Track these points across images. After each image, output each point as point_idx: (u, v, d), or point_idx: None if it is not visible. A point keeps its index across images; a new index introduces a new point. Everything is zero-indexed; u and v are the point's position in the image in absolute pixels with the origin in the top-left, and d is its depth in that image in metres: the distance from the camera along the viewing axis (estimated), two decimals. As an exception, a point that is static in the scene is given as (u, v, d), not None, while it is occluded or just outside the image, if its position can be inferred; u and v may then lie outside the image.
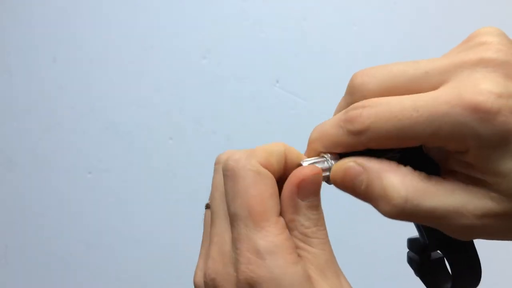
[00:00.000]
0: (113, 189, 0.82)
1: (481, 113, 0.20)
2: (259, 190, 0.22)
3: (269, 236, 0.22)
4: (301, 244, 0.23)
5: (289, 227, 0.23)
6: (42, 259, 0.84)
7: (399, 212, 0.22)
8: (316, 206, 0.23)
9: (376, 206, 0.23)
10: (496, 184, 0.21)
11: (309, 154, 0.25)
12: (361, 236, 0.80)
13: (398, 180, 0.22)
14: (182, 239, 0.79)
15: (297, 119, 0.78)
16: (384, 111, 0.22)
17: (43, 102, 0.81)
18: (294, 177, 0.23)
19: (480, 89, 0.20)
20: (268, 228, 0.22)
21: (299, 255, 0.22)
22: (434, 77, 0.22)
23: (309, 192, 0.23)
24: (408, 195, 0.22)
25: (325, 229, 0.24)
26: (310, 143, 0.25)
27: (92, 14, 0.79)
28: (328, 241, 0.24)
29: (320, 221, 0.24)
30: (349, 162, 0.23)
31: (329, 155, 0.24)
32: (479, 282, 0.28)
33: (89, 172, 0.82)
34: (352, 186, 0.23)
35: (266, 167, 0.23)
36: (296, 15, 0.78)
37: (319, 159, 0.24)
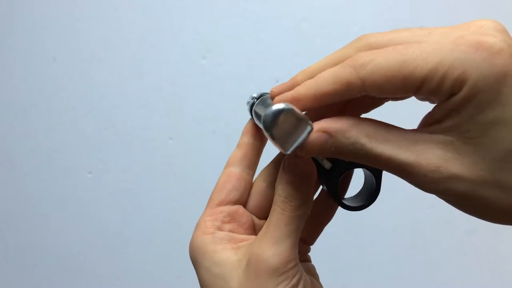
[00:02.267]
0: (113, 189, 0.82)
1: (483, 50, 0.21)
2: (215, 187, 0.31)
3: (202, 215, 0.31)
4: (272, 208, 0.28)
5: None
6: (42, 259, 0.85)
7: (372, 162, 0.24)
8: (295, 184, 0.27)
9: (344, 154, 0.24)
10: (476, 138, 0.22)
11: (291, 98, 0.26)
12: (361, 235, 0.80)
13: (364, 133, 0.23)
14: (182, 239, 0.79)
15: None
16: (390, 48, 0.23)
17: (43, 102, 0.81)
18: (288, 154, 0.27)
19: (484, 31, 0.21)
20: (205, 210, 0.31)
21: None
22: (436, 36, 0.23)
23: (293, 171, 0.27)
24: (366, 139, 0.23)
25: (294, 206, 0.27)
26: (297, 86, 0.26)
27: (92, 14, 0.79)
28: (291, 216, 0.27)
29: (291, 197, 0.27)
30: (314, 132, 0.24)
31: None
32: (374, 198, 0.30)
33: (89, 172, 0.82)
34: (322, 152, 0.24)
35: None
36: (296, 15, 0.78)
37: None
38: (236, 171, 0.32)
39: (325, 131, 0.24)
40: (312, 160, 0.28)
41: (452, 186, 0.22)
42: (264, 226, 0.28)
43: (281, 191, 0.27)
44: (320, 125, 0.24)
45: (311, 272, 0.32)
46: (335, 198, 0.30)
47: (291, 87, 0.27)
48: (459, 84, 0.21)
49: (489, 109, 0.21)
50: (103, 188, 0.82)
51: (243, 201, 0.32)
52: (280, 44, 0.78)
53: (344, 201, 0.30)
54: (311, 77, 0.26)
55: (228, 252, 0.28)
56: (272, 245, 0.26)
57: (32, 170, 0.83)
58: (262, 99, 0.32)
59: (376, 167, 0.24)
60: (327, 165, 0.29)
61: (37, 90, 0.81)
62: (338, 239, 0.77)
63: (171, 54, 0.79)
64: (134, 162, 0.81)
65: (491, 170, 0.22)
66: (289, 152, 0.24)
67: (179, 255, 0.81)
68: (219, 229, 0.30)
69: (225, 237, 0.29)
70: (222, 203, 0.31)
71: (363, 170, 0.31)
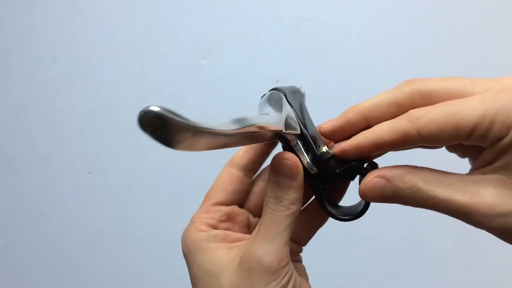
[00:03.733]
0: (113, 189, 0.82)
1: None
2: (213, 186, 0.32)
3: (198, 212, 0.31)
4: (264, 208, 0.29)
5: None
6: (42, 259, 0.85)
7: (431, 206, 0.25)
8: (282, 185, 0.28)
9: (408, 204, 0.26)
10: None
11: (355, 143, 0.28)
12: (360, 235, 0.80)
13: (419, 178, 0.25)
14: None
15: (297, 119, 0.77)
16: (441, 103, 0.25)
17: (43, 102, 0.81)
18: (276, 154, 0.29)
19: None
20: (201, 207, 0.32)
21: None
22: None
23: (278, 172, 0.28)
24: (431, 187, 0.25)
25: (284, 206, 0.28)
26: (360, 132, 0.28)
27: (92, 14, 0.79)
28: (282, 215, 0.28)
29: (281, 198, 0.28)
30: (372, 178, 0.26)
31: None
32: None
33: (89, 172, 0.82)
34: (382, 197, 0.26)
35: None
36: (296, 15, 0.78)
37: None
38: (239, 173, 0.32)
39: (383, 177, 0.26)
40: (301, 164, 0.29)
41: (507, 221, 0.24)
42: (257, 226, 0.29)
43: (270, 192, 0.28)
44: (379, 172, 0.26)
45: (302, 273, 0.33)
46: (320, 204, 0.30)
47: (344, 126, 0.28)
48: (506, 127, 0.23)
49: None
50: (103, 188, 0.82)
51: (241, 203, 0.33)
52: (280, 44, 0.78)
53: (330, 209, 0.30)
54: (363, 115, 0.28)
55: (222, 250, 0.29)
56: (264, 244, 0.27)
57: (32, 170, 0.83)
58: (271, 98, 0.32)
59: (434, 210, 0.25)
60: (313, 170, 0.29)
61: (37, 90, 0.81)
62: (336, 238, 0.77)
63: (171, 54, 0.79)
64: (134, 162, 0.81)
65: None
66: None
67: (179, 255, 0.81)
68: (215, 227, 0.31)
69: (219, 235, 0.30)
70: (220, 203, 0.31)
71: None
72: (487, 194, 0.24)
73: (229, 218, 0.31)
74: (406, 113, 0.26)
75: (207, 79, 0.79)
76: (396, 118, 0.26)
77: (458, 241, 0.80)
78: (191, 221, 0.31)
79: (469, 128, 0.24)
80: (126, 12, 0.79)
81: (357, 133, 0.28)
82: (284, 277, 0.27)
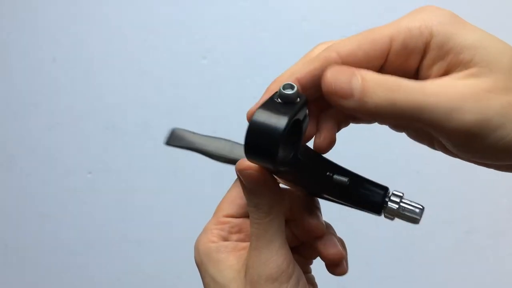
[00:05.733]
0: (113, 189, 0.82)
1: None
2: (225, 197, 0.32)
3: (210, 223, 0.31)
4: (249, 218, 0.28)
5: None
6: (42, 259, 0.85)
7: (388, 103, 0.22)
8: (255, 192, 0.27)
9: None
10: (473, 58, 0.22)
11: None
12: (358, 234, 0.80)
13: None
14: (182, 239, 0.79)
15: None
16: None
17: (43, 102, 0.81)
18: (236, 165, 0.27)
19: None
20: (213, 218, 0.31)
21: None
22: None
23: (245, 180, 0.27)
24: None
25: (265, 211, 0.27)
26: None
27: (92, 14, 0.79)
28: (266, 222, 0.27)
29: (259, 205, 0.27)
30: (334, 68, 0.23)
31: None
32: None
33: (89, 172, 0.82)
34: (350, 89, 0.22)
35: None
36: (296, 15, 0.78)
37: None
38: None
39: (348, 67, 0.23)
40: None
41: (488, 105, 0.21)
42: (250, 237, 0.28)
43: (248, 201, 0.28)
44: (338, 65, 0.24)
45: (311, 282, 0.32)
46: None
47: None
48: (425, 29, 0.23)
49: (467, 34, 0.23)
50: (103, 188, 0.82)
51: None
52: (280, 44, 0.78)
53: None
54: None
55: (231, 260, 0.29)
56: (258, 255, 0.27)
57: (32, 170, 0.83)
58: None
59: (405, 115, 0.22)
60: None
61: (37, 90, 0.81)
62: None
63: (171, 54, 0.79)
64: (134, 162, 0.81)
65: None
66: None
67: (179, 255, 0.81)
68: (226, 239, 0.31)
69: (229, 245, 0.30)
70: (231, 216, 0.31)
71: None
72: (460, 87, 0.22)
73: (240, 229, 0.31)
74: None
75: (207, 79, 0.79)
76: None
77: (457, 241, 0.80)
78: (204, 231, 0.31)
79: (386, 39, 0.24)
80: (126, 12, 0.79)
81: None
82: (289, 281, 0.27)
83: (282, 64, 0.85)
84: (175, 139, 0.34)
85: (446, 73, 0.23)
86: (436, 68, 0.24)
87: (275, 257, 0.27)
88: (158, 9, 0.78)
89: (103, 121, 0.80)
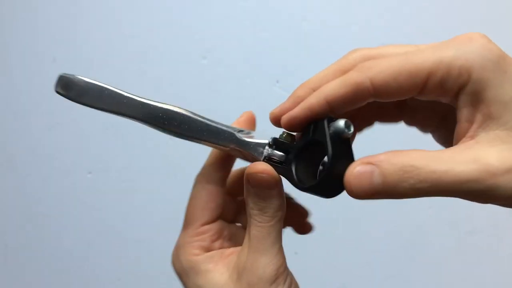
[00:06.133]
0: (113, 189, 0.82)
1: (477, 40, 0.22)
2: (194, 207, 0.31)
3: (186, 236, 0.30)
4: (248, 220, 0.28)
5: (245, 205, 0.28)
6: (42, 259, 0.84)
7: (431, 184, 0.21)
8: (263, 196, 0.27)
9: (403, 189, 0.22)
10: (502, 116, 0.21)
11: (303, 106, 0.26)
12: (359, 234, 0.80)
13: (410, 157, 0.22)
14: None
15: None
16: (391, 56, 0.24)
17: (43, 102, 0.81)
18: (248, 168, 0.27)
19: (471, 33, 0.23)
20: (188, 230, 0.30)
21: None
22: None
23: (256, 184, 0.27)
24: (427, 164, 0.21)
25: (270, 216, 0.27)
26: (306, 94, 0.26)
27: (92, 14, 0.79)
28: (270, 225, 0.27)
29: (265, 209, 0.27)
30: (356, 167, 0.22)
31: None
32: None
33: (89, 172, 0.82)
34: (371, 188, 0.22)
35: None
36: (296, 15, 0.78)
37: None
38: (216, 188, 0.32)
39: (369, 163, 0.22)
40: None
41: None
42: (246, 239, 0.28)
43: (252, 204, 0.27)
44: (362, 159, 0.23)
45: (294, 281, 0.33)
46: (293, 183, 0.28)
47: (293, 104, 0.26)
48: (465, 70, 0.22)
49: (506, 85, 0.21)
50: (103, 188, 0.82)
51: (223, 215, 0.33)
52: (280, 44, 0.78)
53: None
54: (312, 89, 0.26)
55: (220, 269, 0.29)
56: (259, 257, 0.27)
57: (32, 170, 0.83)
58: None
59: (433, 192, 0.21)
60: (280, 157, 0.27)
61: (37, 90, 0.81)
62: (336, 238, 0.77)
63: (171, 54, 0.79)
64: (134, 162, 0.81)
65: None
66: None
67: (179, 255, 0.81)
68: (208, 249, 0.30)
69: (215, 255, 0.30)
70: (208, 223, 0.31)
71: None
72: (489, 155, 0.21)
73: (220, 235, 0.31)
74: (356, 67, 0.24)
75: (207, 79, 0.79)
76: (346, 73, 0.24)
77: (458, 241, 0.80)
78: (182, 245, 0.30)
79: (424, 74, 0.22)
80: (126, 12, 0.79)
81: None
82: (284, 283, 0.27)
83: (282, 64, 0.85)
84: (71, 89, 0.30)
85: (474, 120, 0.22)
86: (466, 112, 0.23)
87: (274, 260, 0.27)
88: (158, 9, 0.78)
89: (103, 121, 0.80)
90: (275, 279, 0.27)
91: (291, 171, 0.26)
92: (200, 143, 0.29)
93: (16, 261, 0.85)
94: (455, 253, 0.81)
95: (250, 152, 0.28)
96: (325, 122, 0.25)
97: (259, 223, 0.27)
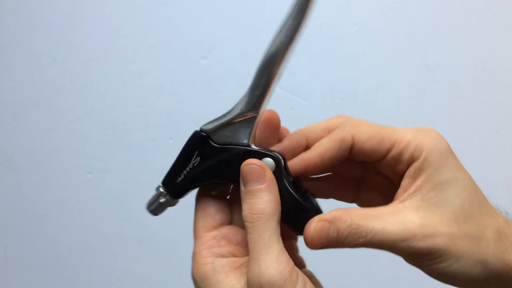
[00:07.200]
0: (113, 189, 0.82)
1: (433, 132, 0.30)
2: (196, 216, 0.33)
3: (195, 246, 0.31)
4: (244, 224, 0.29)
5: None
6: (42, 259, 0.85)
7: (370, 239, 0.28)
8: (252, 192, 0.28)
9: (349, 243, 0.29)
10: (435, 198, 0.28)
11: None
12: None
13: (355, 216, 0.28)
14: (182, 239, 0.79)
15: (296, 119, 0.78)
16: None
17: (43, 102, 0.81)
18: (241, 167, 0.29)
19: (431, 129, 0.30)
20: (196, 241, 0.31)
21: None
22: None
23: (247, 179, 0.28)
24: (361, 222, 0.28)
25: (259, 212, 0.27)
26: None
27: (92, 14, 0.79)
28: (262, 224, 0.27)
29: (254, 205, 0.28)
30: (317, 224, 0.28)
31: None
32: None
33: (89, 172, 0.82)
34: (327, 241, 0.28)
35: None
36: (296, 15, 0.77)
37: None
38: (212, 193, 0.32)
39: (325, 220, 0.27)
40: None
41: (433, 242, 0.27)
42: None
43: (244, 205, 0.28)
44: (319, 217, 0.28)
45: (313, 280, 0.32)
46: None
47: (290, 145, 0.32)
48: (419, 150, 0.28)
49: (442, 171, 0.28)
50: (103, 188, 0.82)
51: (230, 220, 0.32)
52: (280, 44, 0.78)
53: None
54: (304, 136, 0.32)
55: (231, 279, 0.28)
56: (258, 263, 0.26)
57: (32, 170, 0.83)
58: None
59: (370, 245, 0.28)
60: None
61: (37, 90, 0.81)
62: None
63: (171, 54, 0.79)
64: (134, 162, 0.81)
65: (456, 224, 0.27)
66: None
67: (179, 255, 0.81)
68: (218, 256, 0.30)
69: (226, 264, 0.29)
70: (211, 229, 0.31)
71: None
72: (412, 220, 0.27)
73: (228, 241, 0.31)
74: (340, 126, 0.31)
75: (207, 79, 0.79)
76: (332, 132, 0.31)
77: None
78: (193, 258, 0.30)
79: (391, 142, 0.29)
80: (126, 12, 0.79)
81: (300, 151, 0.32)
82: (297, 281, 0.26)
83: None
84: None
85: (408, 188, 0.29)
86: (407, 181, 0.29)
87: (275, 264, 0.26)
88: (158, 9, 0.78)
89: (103, 121, 0.80)
90: (283, 283, 0.26)
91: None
92: None
93: (16, 261, 0.85)
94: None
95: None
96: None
97: (250, 224, 0.27)
